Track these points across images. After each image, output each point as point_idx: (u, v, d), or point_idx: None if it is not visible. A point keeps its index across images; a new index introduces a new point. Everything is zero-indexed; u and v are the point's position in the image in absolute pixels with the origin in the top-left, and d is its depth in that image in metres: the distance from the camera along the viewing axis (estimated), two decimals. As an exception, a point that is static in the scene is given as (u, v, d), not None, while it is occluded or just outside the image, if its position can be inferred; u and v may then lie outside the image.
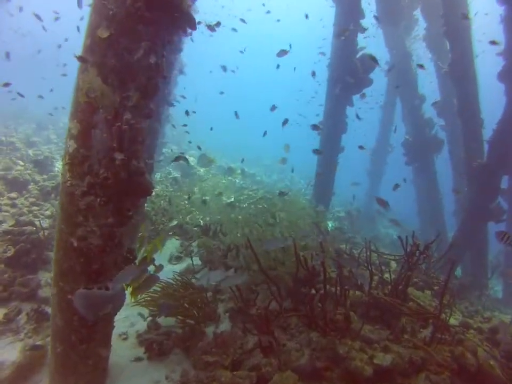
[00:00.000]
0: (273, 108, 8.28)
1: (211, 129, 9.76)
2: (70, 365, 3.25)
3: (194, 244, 7.93)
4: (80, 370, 3.26)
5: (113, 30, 2.37)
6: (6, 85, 8.45)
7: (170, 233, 8.80)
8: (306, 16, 10.15)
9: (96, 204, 2.64)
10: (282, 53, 8.00)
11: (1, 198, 7.74)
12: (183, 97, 12.04)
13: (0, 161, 9.37)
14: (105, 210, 2.69)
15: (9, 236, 5.82)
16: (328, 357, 3.39)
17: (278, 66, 8.72)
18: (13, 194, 7.98)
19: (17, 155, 10.78)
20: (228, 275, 3.48)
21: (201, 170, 17.00)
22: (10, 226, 6.37)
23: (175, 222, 8.80)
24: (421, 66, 8.77)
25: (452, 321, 4.77)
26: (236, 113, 10.04)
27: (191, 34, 5.94)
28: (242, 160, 10.47)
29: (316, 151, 7.01)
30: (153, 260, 3.90)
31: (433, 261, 6.87)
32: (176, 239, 8.49)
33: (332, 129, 10.85)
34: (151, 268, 4.87)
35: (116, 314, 3.26)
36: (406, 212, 18.11)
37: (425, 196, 13.07)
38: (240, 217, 5.66)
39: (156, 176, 14.44)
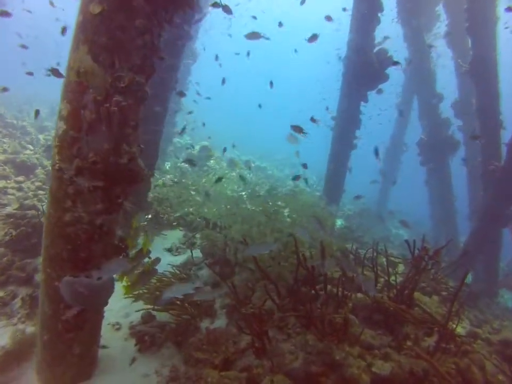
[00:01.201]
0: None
1: (203, 124, 9.63)
2: (57, 354, 3.16)
3: (197, 235, 7.82)
4: (67, 359, 3.17)
5: (106, 6, 2.22)
6: (24, 47, 8.71)
7: (175, 223, 8.72)
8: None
9: (85, 189, 2.52)
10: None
11: (8, 181, 7.75)
12: (209, 98, 12.02)
13: (10, 144, 9.39)
14: (94, 197, 2.57)
15: (11, 219, 5.80)
16: (324, 362, 3.22)
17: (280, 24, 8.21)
18: (20, 178, 7.98)
19: (27, 139, 10.81)
20: (200, 288, 3.36)
21: (212, 161, 16.86)
22: (14, 209, 6.36)
23: (179, 213, 8.71)
24: (432, 46, 8.43)
25: (459, 329, 4.55)
26: (223, 80, 9.86)
27: (200, 20, 5.81)
28: (233, 146, 10.22)
29: (312, 120, 6.52)
30: (149, 252, 3.77)
31: (443, 266, 6.63)
32: (180, 230, 8.41)
33: (344, 124, 10.58)
34: (146, 261, 4.78)
35: (104, 304, 3.15)
36: (420, 214, 17.79)
37: (438, 198, 12.70)
38: (242, 211, 5.49)
39: (165, 165, 14.38)
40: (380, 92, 10.48)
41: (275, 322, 3.34)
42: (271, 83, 9.58)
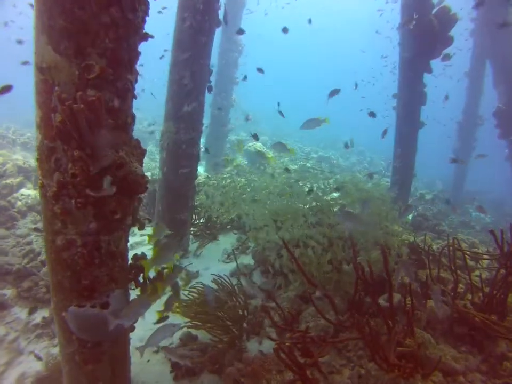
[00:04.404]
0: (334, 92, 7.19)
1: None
2: (81, 387, 2.86)
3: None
4: (92, 393, 2.86)
5: (56, -20, 1.78)
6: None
7: (228, 226, 8.36)
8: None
9: (72, 206, 2.12)
10: None
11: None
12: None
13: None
14: (85, 215, 2.16)
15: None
16: (390, 401, 2.52)
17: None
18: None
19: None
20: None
21: (269, 155, 16.33)
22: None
23: (232, 215, 8.32)
24: None
25: None
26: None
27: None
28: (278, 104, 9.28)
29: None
30: (180, 270, 3.27)
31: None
32: (234, 233, 8.06)
33: (408, 101, 9.33)
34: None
35: (122, 334, 2.77)
36: (504, 193, 15.71)
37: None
38: (287, 209, 4.86)
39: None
40: (446, 58, 9.04)
41: (325, 351, 2.69)
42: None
